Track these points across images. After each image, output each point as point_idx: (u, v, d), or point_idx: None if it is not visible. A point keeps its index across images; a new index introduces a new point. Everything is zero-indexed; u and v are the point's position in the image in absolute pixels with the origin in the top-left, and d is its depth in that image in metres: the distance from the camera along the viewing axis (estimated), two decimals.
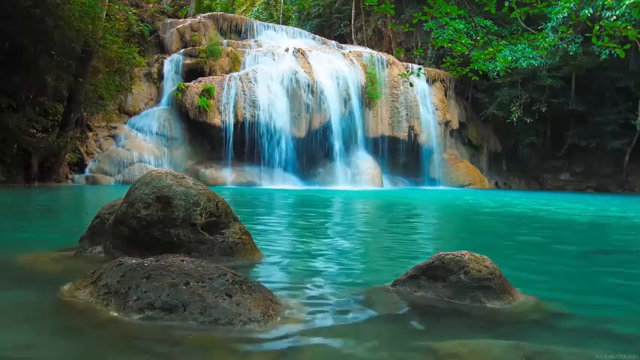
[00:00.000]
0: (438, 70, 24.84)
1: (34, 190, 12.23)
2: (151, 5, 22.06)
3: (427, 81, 24.28)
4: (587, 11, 17.94)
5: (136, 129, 18.38)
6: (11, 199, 9.47)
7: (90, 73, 14.66)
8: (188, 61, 20.17)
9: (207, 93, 18.55)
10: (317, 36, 25.94)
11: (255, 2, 36.94)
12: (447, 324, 2.13)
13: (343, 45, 25.71)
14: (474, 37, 14.34)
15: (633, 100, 23.11)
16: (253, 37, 23.50)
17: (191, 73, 19.86)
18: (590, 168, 26.25)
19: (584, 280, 3.37)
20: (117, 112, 18.72)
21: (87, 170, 16.60)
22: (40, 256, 3.09)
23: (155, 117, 18.72)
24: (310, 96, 20.16)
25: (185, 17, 24.54)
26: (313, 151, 20.67)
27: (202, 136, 19.35)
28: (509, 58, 19.42)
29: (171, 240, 2.97)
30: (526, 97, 24.29)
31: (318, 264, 3.39)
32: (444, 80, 25.24)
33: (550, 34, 19.35)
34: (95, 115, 17.42)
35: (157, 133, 18.38)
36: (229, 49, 20.86)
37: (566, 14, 19.82)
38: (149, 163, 17.05)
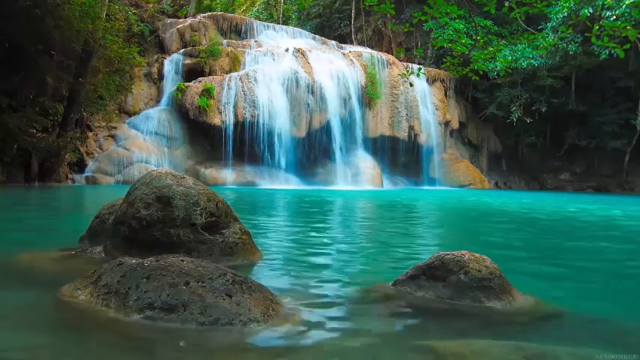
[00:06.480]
0: (438, 70, 24.84)
1: (34, 190, 12.23)
2: (151, 5, 22.05)
3: (427, 81, 24.28)
4: (586, 11, 17.94)
5: (136, 129, 18.38)
6: (11, 199, 9.47)
7: (90, 73, 14.67)
8: (188, 61, 20.17)
9: (207, 93, 18.55)
10: (317, 36, 25.93)
11: (255, 2, 36.94)
12: (447, 324, 2.13)
13: (343, 45, 25.71)
14: (473, 37, 14.34)
15: (633, 100, 23.11)
16: (253, 37, 23.50)
17: (191, 73, 19.86)
18: (590, 168, 26.25)
19: (584, 280, 3.37)
20: (117, 112, 18.72)
21: (87, 170, 16.60)
22: (40, 256, 3.09)
23: (155, 117, 18.72)
24: (310, 96, 20.16)
25: (185, 17, 24.54)
26: (313, 151, 20.67)
27: (202, 136, 19.35)
28: (509, 58, 19.45)
29: (172, 240, 2.97)
30: (526, 97, 24.29)
31: (318, 264, 3.39)
32: (444, 80, 25.24)
33: (550, 34, 19.36)
34: (95, 115, 17.43)
35: (156, 133, 18.38)
36: (229, 49, 20.86)
37: (566, 14, 19.84)
38: (149, 163, 17.05)
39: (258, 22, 25.97)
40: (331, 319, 2.08)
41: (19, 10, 12.02)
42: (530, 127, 25.15)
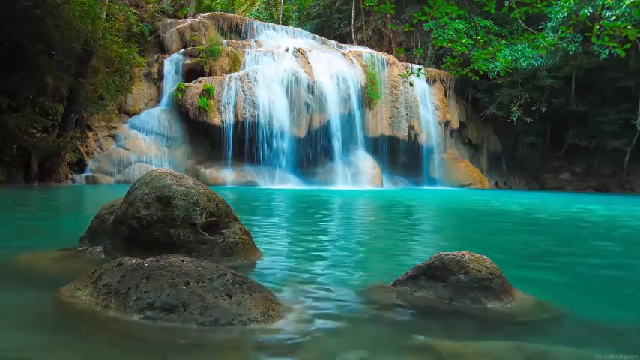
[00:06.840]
0: (438, 70, 24.84)
1: (34, 190, 12.22)
2: (151, 5, 22.05)
3: (427, 81, 24.27)
4: (587, 11, 17.93)
5: (136, 129, 18.38)
6: (11, 199, 9.47)
7: (90, 73, 14.67)
8: (188, 61, 20.17)
9: (207, 93, 18.55)
10: (317, 36, 25.93)
11: (255, 2, 36.94)
12: (448, 324, 2.13)
13: (343, 45, 25.70)
14: (473, 37, 14.35)
15: (633, 100, 23.12)
16: (253, 37, 23.50)
17: (191, 73, 19.86)
18: (590, 168, 26.26)
19: (584, 280, 3.36)
20: (117, 112, 18.72)
21: (87, 170, 16.60)
22: (40, 256, 3.09)
23: (155, 117, 18.72)
24: (310, 96, 20.16)
25: (185, 17, 24.54)
26: (313, 151, 20.68)
27: (202, 136, 19.35)
28: (509, 58, 19.46)
29: (172, 240, 2.97)
30: (526, 97, 24.29)
31: (318, 264, 3.39)
32: (444, 80, 25.24)
33: (550, 34, 19.36)
34: (95, 115, 17.43)
35: (156, 133, 18.38)
36: (229, 49, 20.86)
37: (566, 14, 19.84)
38: (149, 163, 17.05)
39: (258, 22, 25.97)
40: (331, 319, 2.08)
41: (19, 10, 12.02)
42: (530, 127, 25.15)
